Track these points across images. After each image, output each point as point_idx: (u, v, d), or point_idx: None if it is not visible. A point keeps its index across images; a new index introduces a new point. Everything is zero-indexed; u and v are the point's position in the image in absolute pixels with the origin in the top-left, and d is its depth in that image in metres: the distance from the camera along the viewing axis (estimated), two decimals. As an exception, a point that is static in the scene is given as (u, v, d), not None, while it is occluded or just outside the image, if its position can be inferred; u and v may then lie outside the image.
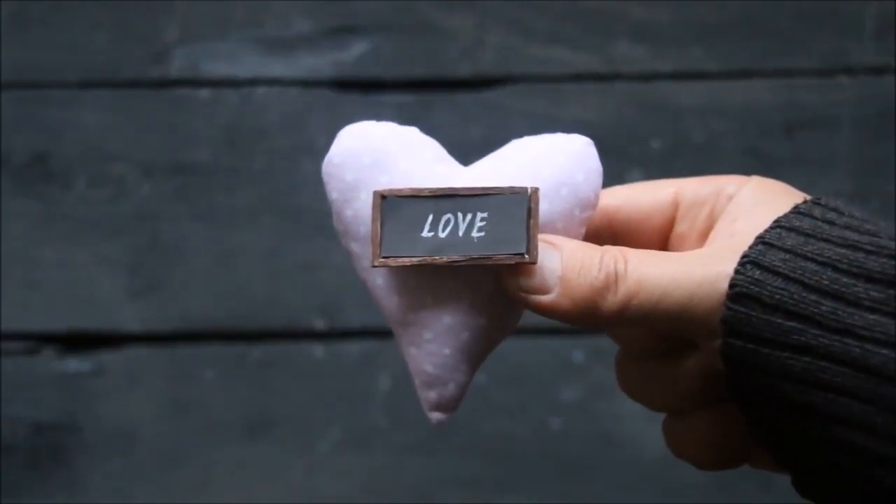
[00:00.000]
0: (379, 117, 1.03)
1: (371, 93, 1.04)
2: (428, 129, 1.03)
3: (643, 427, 0.99)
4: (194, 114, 1.04)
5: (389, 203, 0.49)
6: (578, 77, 1.04)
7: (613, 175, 1.01)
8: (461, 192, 0.48)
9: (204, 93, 1.04)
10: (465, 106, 1.04)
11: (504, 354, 1.00)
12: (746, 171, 1.01)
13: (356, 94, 1.04)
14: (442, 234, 0.48)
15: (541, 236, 0.48)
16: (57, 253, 1.02)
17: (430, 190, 0.48)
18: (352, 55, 1.05)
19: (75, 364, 1.01)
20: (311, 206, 1.02)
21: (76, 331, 1.01)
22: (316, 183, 0.87)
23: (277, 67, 1.05)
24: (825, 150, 1.03)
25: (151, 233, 1.02)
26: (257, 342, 1.02)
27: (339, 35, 1.05)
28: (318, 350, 1.02)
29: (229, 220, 1.03)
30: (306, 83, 1.04)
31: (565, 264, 0.48)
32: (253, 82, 1.04)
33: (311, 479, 1.00)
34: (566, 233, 0.50)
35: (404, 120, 1.03)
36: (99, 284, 1.02)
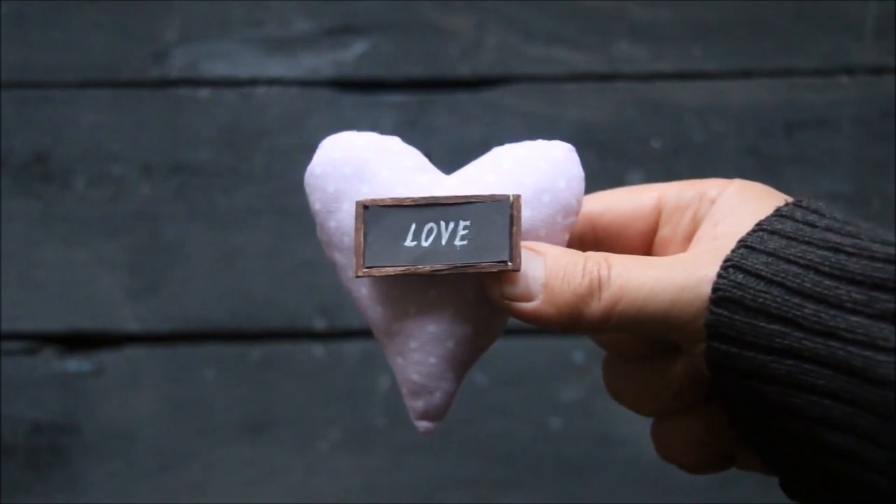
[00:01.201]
0: (379, 117, 1.04)
1: (371, 93, 1.04)
2: (428, 129, 1.03)
3: (643, 427, 0.99)
4: (194, 114, 1.04)
5: (372, 213, 0.49)
6: (578, 77, 1.04)
7: (614, 175, 1.01)
8: (443, 201, 0.48)
9: (204, 93, 1.04)
10: (465, 106, 1.04)
11: (504, 354, 1.01)
12: (746, 171, 1.01)
13: (356, 95, 1.04)
14: (425, 243, 0.48)
15: (524, 243, 0.48)
16: (57, 253, 1.02)
17: (413, 199, 0.48)
18: (352, 55, 1.05)
19: (75, 364, 1.01)
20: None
21: (76, 331, 1.02)
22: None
23: (277, 67, 1.05)
24: (825, 150, 1.03)
25: (151, 233, 1.03)
26: (257, 342, 1.02)
27: (339, 35, 1.05)
28: (318, 350, 1.02)
29: (229, 220, 1.03)
30: (306, 83, 1.04)
31: (549, 271, 0.48)
32: (253, 82, 1.04)
33: (310, 479, 1.00)
34: (549, 239, 0.50)
35: (404, 120, 1.03)
36: (99, 284, 1.02)
